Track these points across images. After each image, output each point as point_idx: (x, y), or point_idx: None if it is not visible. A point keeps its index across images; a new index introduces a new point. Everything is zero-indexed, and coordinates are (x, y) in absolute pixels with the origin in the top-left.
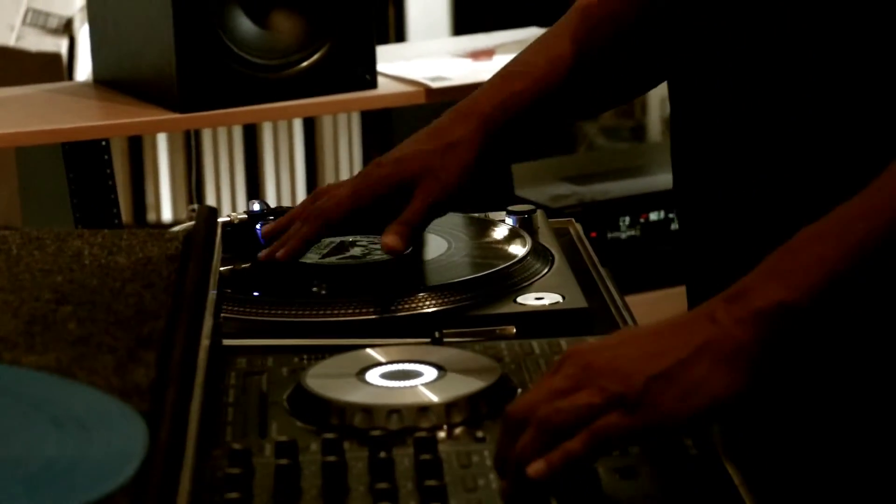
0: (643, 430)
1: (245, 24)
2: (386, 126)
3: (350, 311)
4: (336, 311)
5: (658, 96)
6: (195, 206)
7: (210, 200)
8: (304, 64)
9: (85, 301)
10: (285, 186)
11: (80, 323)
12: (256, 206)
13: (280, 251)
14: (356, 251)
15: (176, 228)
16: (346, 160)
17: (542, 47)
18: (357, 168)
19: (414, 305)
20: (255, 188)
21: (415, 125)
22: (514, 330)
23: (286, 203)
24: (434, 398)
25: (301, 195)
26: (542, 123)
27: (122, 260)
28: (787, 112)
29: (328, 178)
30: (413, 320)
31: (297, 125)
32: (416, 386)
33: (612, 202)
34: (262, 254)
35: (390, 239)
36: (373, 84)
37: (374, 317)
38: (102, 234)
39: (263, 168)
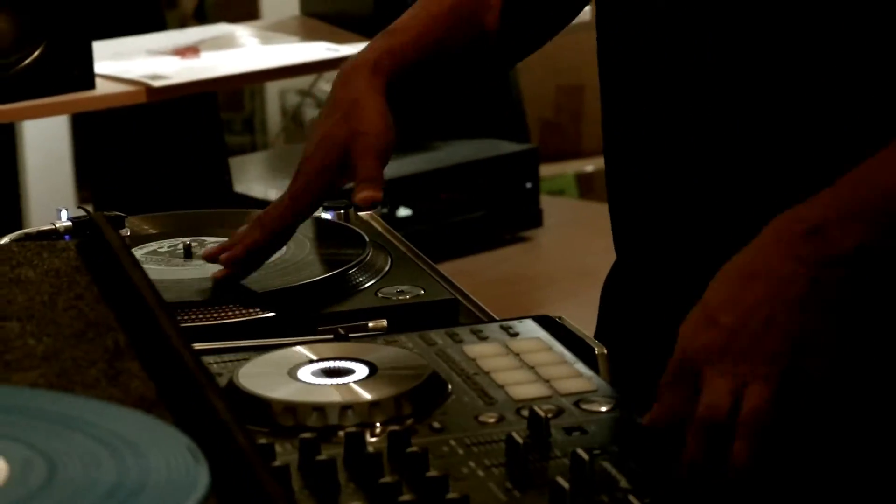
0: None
1: None
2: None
3: (229, 313)
4: (216, 314)
5: (275, 87)
6: (88, 209)
7: None
8: (21, 66)
9: (25, 316)
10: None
11: (37, 339)
12: (65, 214)
13: (223, 255)
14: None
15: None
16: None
17: (419, 9)
18: None
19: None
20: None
21: None
22: (386, 323)
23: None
24: (379, 394)
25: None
26: (436, 72)
27: (31, 273)
28: (717, 96)
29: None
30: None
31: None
32: (350, 383)
33: None
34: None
35: (366, 193)
36: (90, 84)
37: (251, 318)
38: None
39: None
